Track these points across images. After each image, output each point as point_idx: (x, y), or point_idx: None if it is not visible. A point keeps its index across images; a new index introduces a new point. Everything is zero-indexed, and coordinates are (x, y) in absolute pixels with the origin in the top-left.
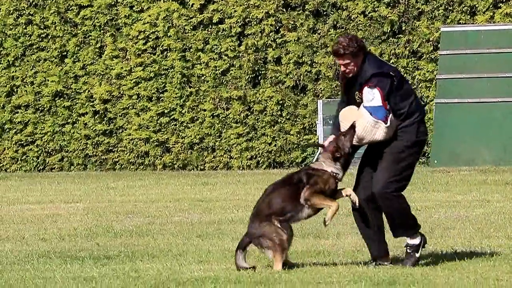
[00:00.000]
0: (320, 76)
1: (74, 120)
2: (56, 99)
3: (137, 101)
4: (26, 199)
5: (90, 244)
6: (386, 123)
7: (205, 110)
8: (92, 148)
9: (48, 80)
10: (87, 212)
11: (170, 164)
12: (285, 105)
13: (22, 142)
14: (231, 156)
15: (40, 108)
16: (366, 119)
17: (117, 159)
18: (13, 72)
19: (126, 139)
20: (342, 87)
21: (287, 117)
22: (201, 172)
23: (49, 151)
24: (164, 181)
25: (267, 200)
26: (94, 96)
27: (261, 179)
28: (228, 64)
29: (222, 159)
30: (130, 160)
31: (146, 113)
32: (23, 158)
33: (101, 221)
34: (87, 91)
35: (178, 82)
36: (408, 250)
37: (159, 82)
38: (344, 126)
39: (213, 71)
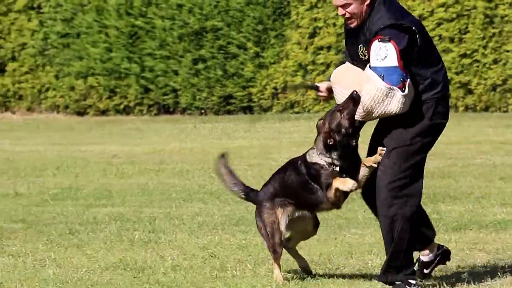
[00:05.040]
0: None
1: None
2: None
3: (439, 42)
4: None
5: None
6: (403, 91)
7: (508, 51)
8: None
9: None
10: None
11: (472, 105)
12: None
13: None
14: None
15: (342, 50)
16: (376, 85)
17: None
18: (315, 13)
19: None
20: (345, 41)
21: None
22: (504, 114)
23: None
24: (465, 123)
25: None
26: None
27: None
28: None
29: None
30: None
31: (448, 54)
32: None
33: None
34: None
35: (481, 23)
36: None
37: (461, 23)
38: (339, 94)
39: None
